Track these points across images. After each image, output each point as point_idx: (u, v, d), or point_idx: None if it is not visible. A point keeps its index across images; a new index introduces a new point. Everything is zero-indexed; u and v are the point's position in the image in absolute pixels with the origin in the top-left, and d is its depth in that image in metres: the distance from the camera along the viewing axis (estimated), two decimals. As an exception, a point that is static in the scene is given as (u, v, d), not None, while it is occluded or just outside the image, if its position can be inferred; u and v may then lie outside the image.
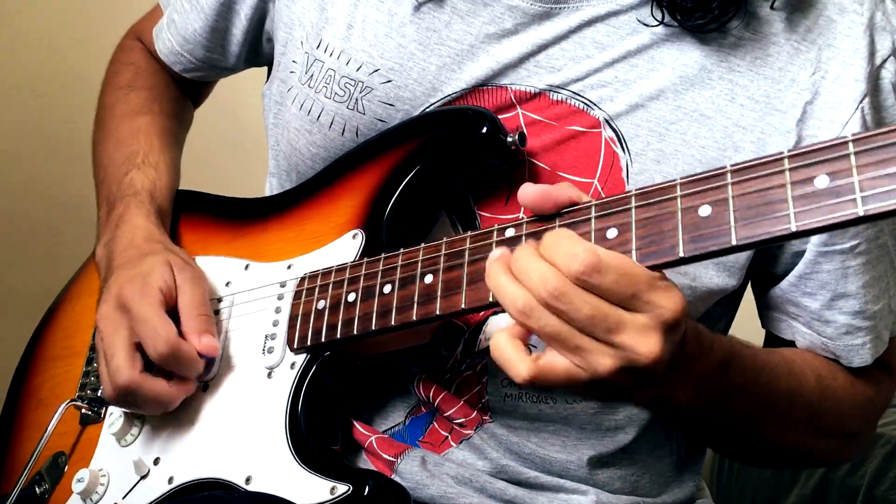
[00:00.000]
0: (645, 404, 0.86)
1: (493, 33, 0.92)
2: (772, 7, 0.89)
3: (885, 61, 0.89)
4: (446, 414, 0.94)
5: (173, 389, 0.91)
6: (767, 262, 0.96)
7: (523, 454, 0.93)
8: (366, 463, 0.94)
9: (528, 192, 0.75)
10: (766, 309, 1.00)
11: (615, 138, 0.90)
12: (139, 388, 0.89)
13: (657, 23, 0.88)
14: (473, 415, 0.94)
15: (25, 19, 2.03)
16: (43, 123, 2.04)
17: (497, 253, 0.72)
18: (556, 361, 0.69)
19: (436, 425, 0.95)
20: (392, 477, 0.92)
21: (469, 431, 0.94)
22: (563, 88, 0.91)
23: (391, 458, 0.92)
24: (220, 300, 0.98)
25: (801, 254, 0.93)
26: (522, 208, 0.78)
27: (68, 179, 1.73)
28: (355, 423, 0.94)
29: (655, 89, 0.89)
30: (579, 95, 0.90)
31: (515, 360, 0.69)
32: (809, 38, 0.89)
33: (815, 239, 0.91)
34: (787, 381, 0.92)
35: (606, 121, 0.90)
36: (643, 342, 0.67)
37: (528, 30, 0.91)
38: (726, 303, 0.99)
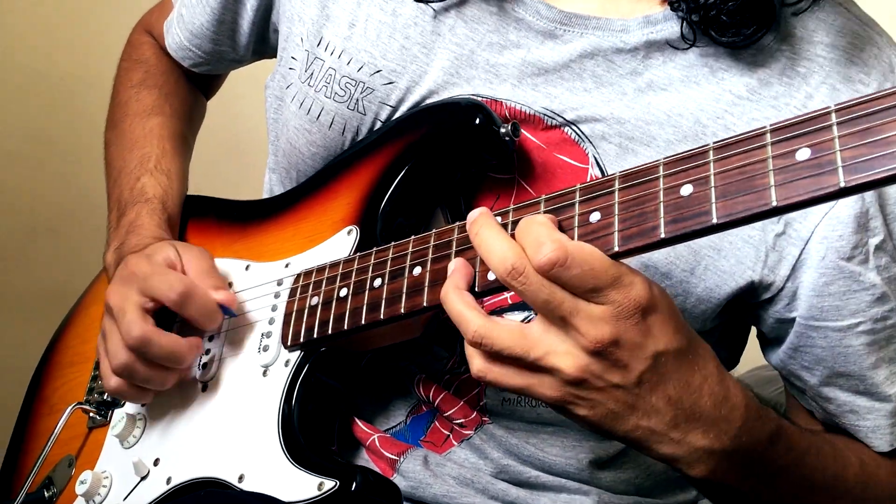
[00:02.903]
0: (673, 466, 0.75)
1: (496, 43, 0.91)
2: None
3: None
4: (446, 414, 0.93)
5: (185, 342, 0.90)
6: (755, 321, 0.93)
7: (523, 456, 0.92)
8: (367, 462, 0.92)
9: None
10: (782, 378, 0.97)
11: (601, 178, 0.88)
12: (152, 340, 0.88)
13: (688, 45, 0.86)
14: (473, 415, 0.92)
15: (25, 19, 2.05)
16: (43, 123, 2.06)
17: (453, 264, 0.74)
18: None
19: (437, 424, 0.94)
20: (394, 476, 0.91)
21: (469, 432, 0.92)
22: (557, 115, 0.89)
23: (393, 457, 0.91)
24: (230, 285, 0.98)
25: (787, 321, 0.89)
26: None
27: (68, 179, 1.75)
28: (357, 421, 0.93)
29: (648, 136, 0.87)
30: (573, 125, 0.89)
31: (469, 353, 0.71)
32: (810, 106, 0.86)
33: (802, 311, 0.87)
34: (833, 465, 0.86)
35: (595, 159, 0.88)
36: (592, 328, 0.66)
37: (531, 46, 0.90)
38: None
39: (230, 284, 0.99)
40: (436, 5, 0.92)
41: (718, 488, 0.78)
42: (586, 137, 0.88)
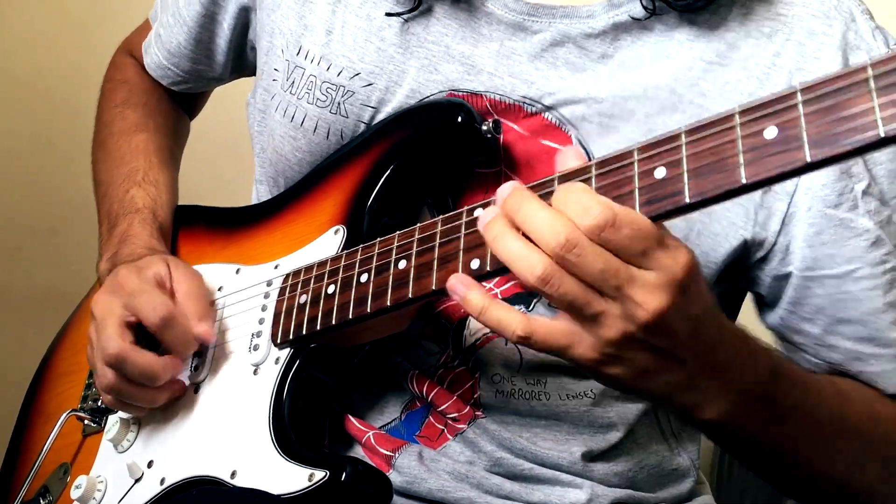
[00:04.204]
0: (682, 411, 0.78)
1: (469, 37, 0.93)
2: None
3: None
4: (440, 409, 0.94)
5: (161, 362, 0.91)
6: (751, 284, 0.94)
7: (516, 449, 0.93)
8: (363, 458, 0.93)
9: (572, 162, 0.73)
10: (782, 341, 0.97)
11: (586, 158, 0.89)
12: (127, 358, 0.89)
13: (648, 14, 0.89)
14: (466, 410, 0.93)
15: (25, 19, 2.06)
16: (43, 123, 2.06)
17: (489, 213, 0.70)
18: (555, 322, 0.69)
19: (431, 419, 0.95)
20: (389, 472, 0.91)
21: (462, 426, 0.93)
22: (536, 102, 0.91)
23: (389, 453, 0.92)
24: (212, 304, 0.99)
25: (782, 277, 0.91)
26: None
27: (68, 179, 1.75)
28: (351, 418, 0.94)
29: (627, 111, 0.89)
30: (553, 109, 0.91)
31: (508, 318, 0.69)
32: (779, 63, 0.89)
33: (797, 263, 0.89)
34: (835, 402, 0.87)
35: (579, 140, 0.90)
36: (649, 297, 0.66)
37: (503, 39, 0.92)
38: None
39: (220, 289, 1.00)
40: (406, 16, 0.95)
41: (728, 432, 0.79)
42: (567, 120, 0.91)
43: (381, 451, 0.93)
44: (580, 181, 0.71)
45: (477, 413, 0.93)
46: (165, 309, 0.91)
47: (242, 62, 1.15)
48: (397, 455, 0.92)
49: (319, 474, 0.79)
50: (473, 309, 0.70)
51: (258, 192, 1.10)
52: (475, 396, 0.94)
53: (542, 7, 0.92)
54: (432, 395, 0.94)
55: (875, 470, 0.90)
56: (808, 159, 0.60)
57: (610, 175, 0.70)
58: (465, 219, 0.78)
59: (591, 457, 0.94)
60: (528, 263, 0.67)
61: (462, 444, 0.93)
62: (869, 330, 0.90)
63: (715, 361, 0.73)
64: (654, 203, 0.66)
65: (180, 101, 1.27)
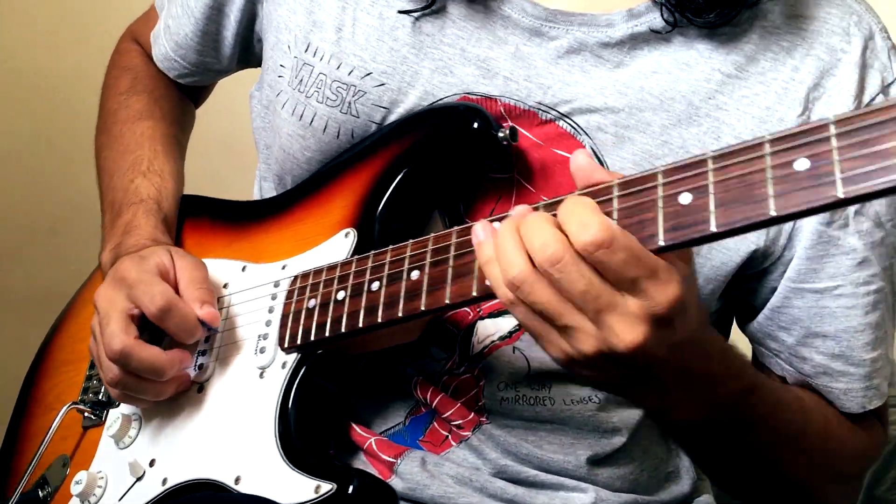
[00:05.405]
0: (650, 411, 0.82)
1: (485, 39, 0.92)
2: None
3: (872, 100, 0.89)
4: (444, 415, 0.93)
5: (166, 356, 0.90)
6: (747, 294, 0.95)
7: (521, 454, 0.92)
8: (365, 465, 0.93)
9: (582, 161, 0.72)
10: (754, 344, 0.99)
11: (597, 162, 0.88)
12: (132, 353, 0.88)
13: (670, 28, 0.88)
14: (471, 416, 0.93)
15: (26, 19, 2.05)
16: (43, 123, 2.06)
17: (520, 209, 0.70)
18: None
19: (435, 425, 0.94)
20: (391, 478, 0.91)
21: (467, 433, 0.93)
22: (551, 109, 0.90)
23: (391, 460, 0.92)
24: (218, 299, 0.98)
25: (776, 287, 0.92)
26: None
27: (68, 179, 1.76)
28: (354, 425, 0.93)
29: (643, 122, 0.89)
30: (568, 118, 0.90)
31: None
32: (798, 78, 0.89)
33: (789, 273, 0.90)
34: (801, 418, 0.91)
35: (593, 150, 0.89)
36: (628, 330, 0.65)
37: (519, 43, 0.91)
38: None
39: (226, 285, 0.99)
40: (417, 14, 0.93)
41: (694, 432, 0.83)
42: (582, 129, 0.90)
43: (384, 457, 0.92)
44: (599, 202, 0.70)
45: (481, 419, 0.93)
46: (163, 298, 0.89)
47: (249, 54, 1.13)
48: (400, 461, 0.92)
49: (326, 486, 0.78)
50: (481, 256, 0.70)
51: (263, 189, 1.09)
52: (480, 403, 0.93)
53: (560, 13, 0.90)
54: (436, 401, 0.93)
55: (818, 475, 0.95)
56: (841, 195, 0.58)
57: (633, 197, 0.68)
58: (481, 232, 0.76)
59: (595, 461, 0.94)
60: (508, 262, 0.67)
61: (467, 451, 0.93)
62: (842, 347, 0.92)
63: (692, 378, 0.74)
64: (679, 230, 0.65)
65: (186, 90, 1.25)
